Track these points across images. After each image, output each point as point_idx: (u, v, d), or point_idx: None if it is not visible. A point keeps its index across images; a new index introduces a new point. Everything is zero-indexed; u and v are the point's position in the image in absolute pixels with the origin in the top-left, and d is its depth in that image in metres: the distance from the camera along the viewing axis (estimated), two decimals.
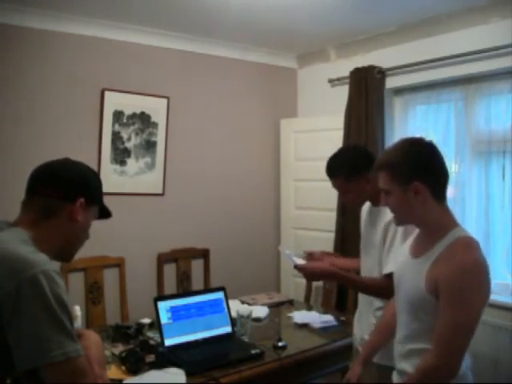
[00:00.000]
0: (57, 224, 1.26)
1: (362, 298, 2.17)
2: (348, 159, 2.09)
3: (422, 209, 1.49)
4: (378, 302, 2.05)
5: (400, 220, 1.59)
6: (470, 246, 1.43)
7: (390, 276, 1.91)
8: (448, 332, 1.39)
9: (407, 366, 1.53)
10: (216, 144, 3.88)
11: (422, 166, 1.48)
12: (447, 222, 1.49)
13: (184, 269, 3.69)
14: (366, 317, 2.10)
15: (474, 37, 2.99)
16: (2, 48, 2.96)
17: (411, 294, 1.50)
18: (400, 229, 1.89)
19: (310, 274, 2.09)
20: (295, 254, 2.27)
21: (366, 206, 2.20)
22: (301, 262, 2.17)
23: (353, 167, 2.05)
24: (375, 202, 2.08)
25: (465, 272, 1.39)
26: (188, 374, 1.99)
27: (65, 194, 1.27)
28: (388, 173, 1.52)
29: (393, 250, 1.92)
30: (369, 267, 2.09)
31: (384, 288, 1.94)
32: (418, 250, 1.55)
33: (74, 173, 1.32)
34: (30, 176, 1.30)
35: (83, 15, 3.15)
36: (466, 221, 3.16)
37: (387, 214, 1.95)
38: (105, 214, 1.44)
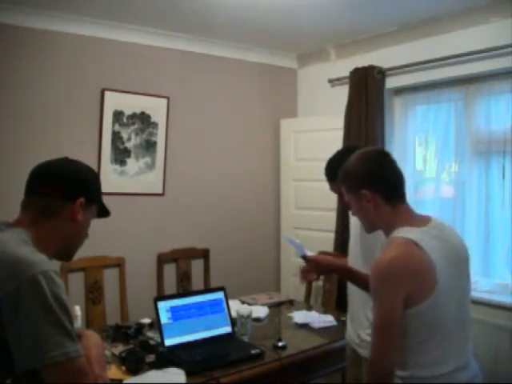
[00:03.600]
0: (57, 224, 1.26)
1: (356, 297, 2.15)
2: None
3: (376, 214, 1.57)
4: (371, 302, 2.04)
5: (366, 227, 1.68)
6: (392, 245, 1.48)
7: None
8: (374, 330, 1.48)
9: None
10: (216, 144, 3.88)
11: (368, 175, 1.57)
12: (395, 224, 1.54)
13: (184, 269, 3.69)
14: (363, 316, 2.09)
15: (473, 37, 2.99)
16: (2, 48, 2.96)
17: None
18: None
19: (317, 266, 2.06)
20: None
21: None
22: (310, 253, 2.14)
23: None
24: None
25: (375, 271, 1.46)
26: (188, 374, 1.99)
27: (65, 194, 1.27)
28: (344, 185, 1.65)
29: None
30: (357, 266, 2.07)
31: None
32: None
33: (73, 172, 1.32)
34: (30, 175, 1.30)
35: (83, 15, 3.15)
36: (465, 221, 3.16)
37: None
38: (104, 212, 1.44)
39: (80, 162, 1.37)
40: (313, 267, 2.06)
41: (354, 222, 2.19)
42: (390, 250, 1.46)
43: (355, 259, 2.15)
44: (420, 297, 1.43)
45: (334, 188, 2.13)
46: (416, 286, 1.43)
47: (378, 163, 1.59)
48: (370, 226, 1.66)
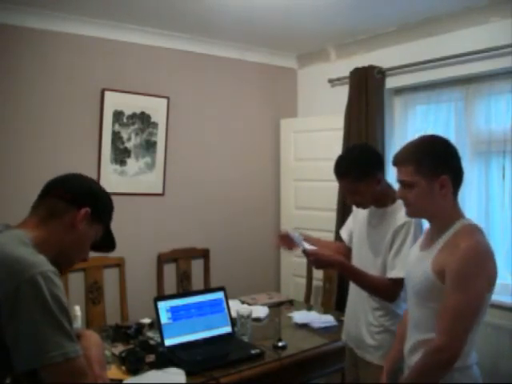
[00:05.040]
0: (57, 227, 1.26)
1: (356, 296, 2.15)
2: (359, 159, 2.03)
3: (442, 202, 1.57)
4: (374, 303, 2.04)
5: (414, 212, 1.66)
6: (472, 232, 1.52)
7: (395, 280, 1.91)
8: (450, 315, 1.44)
9: (415, 358, 1.56)
10: (216, 144, 3.88)
11: (448, 161, 1.58)
12: (455, 214, 1.57)
13: (184, 269, 3.69)
14: (364, 316, 2.09)
15: (473, 37, 2.99)
16: (1, 48, 2.96)
17: (419, 283, 1.56)
18: (410, 234, 1.90)
19: (317, 261, 2.05)
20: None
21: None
22: (310, 247, 2.13)
23: (364, 167, 2.00)
24: (380, 204, 2.06)
25: (467, 258, 1.46)
26: (188, 374, 2.00)
27: (72, 198, 1.28)
28: (413, 166, 1.56)
29: (401, 255, 1.91)
30: (364, 265, 2.06)
31: (388, 290, 1.94)
32: (427, 244, 1.63)
33: (87, 184, 1.36)
34: (46, 182, 1.33)
35: (83, 15, 3.15)
36: None
37: (397, 218, 1.94)
38: (108, 242, 1.42)
39: (99, 183, 1.41)
40: (312, 261, 2.06)
41: (360, 217, 2.19)
42: (473, 235, 1.51)
43: (359, 254, 2.15)
44: (492, 285, 1.51)
45: (343, 185, 2.09)
46: (494, 273, 1.51)
47: (452, 151, 1.61)
48: (421, 212, 1.65)
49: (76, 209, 1.27)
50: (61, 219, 1.26)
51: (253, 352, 2.24)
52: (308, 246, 2.11)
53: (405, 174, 1.59)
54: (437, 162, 1.56)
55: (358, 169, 2.00)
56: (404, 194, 1.62)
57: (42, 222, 1.25)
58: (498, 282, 3.08)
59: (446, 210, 1.57)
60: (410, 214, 1.68)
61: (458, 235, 1.51)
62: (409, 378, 1.53)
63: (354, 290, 2.17)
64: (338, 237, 3.65)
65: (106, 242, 1.42)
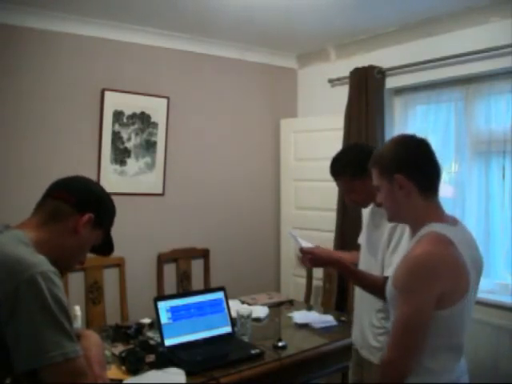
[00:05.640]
0: (60, 230, 1.26)
1: (361, 297, 2.15)
2: (353, 158, 2.05)
3: (406, 203, 1.47)
4: (377, 305, 2.03)
5: (390, 216, 1.58)
6: (430, 241, 1.38)
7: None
8: (396, 328, 1.38)
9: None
10: (216, 144, 3.88)
11: (407, 160, 1.48)
12: (426, 217, 1.45)
13: (184, 269, 3.69)
14: (368, 317, 2.08)
15: (474, 37, 2.99)
16: (1, 48, 2.96)
17: (387, 291, 1.50)
18: (406, 232, 1.89)
19: (314, 259, 2.05)
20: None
21: (368, 206, 2.18)
22: (308, 245, 2.13)
23: (358, 166, 1.99)
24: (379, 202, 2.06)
25: (412, 269, 1.36)
26: (188, 374, 1.99)
27: (77, 203, 1.27)
28: (377, 168, 1.53)
29: (397, 253, 1.90)
30: (368, 267, 2.07)
31: (385, 289, 1.93)
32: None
33: (92, 188, 1.35)
34: (51, 183, 1.32)
35: (83, 15, 3.15)
36: (466, 221, 3.14)
37: None
38: (107, 245, 1.42)
39: (103, 187, 1.40)
40: (308, 259, 2.06)
41: (365, 215, 2.20)
42: (426, 245, 1.37)
43: (363, 255, 2.15)
44: (452, 299, 1.35)
45: (339, 185, 2.12)
46: (450, 287, 1.35)
47: (417, 150, 1.50)
48: (394, 215, 1.55)
49: (79, 213, 1.27)
50: (63, 223, 1.26)
51: (253, 352, 2.23)
52: (305, 245, 2.12)
53: (374, 177, 1.55)
54: (393, 161, 1.48)
55: (352, 167, 2.02)
56: (379, 197, 1.55)
57: (44, 223, 1.25)
58: (498, 281, 3.10)
59: (412, 212, 1.48)
60: (387, 219, 1.60)
61: (417, 243, 1.40)
62: None
63: (358, 291, 2.18)
64: (337, 237, 3.67)
65: (105, 246, 1.41)
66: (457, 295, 1.36)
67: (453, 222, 1.48)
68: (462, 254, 1.37)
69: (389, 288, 1.47)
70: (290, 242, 4.03)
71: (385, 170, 1.50)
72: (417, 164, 1.48)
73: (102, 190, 1.38)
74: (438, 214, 1.47)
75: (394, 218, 1.58)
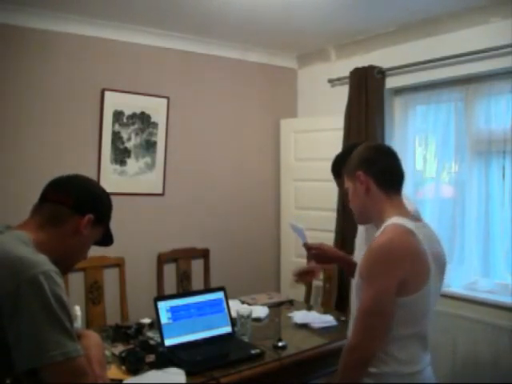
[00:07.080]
0: (61, 233, 1.26)
1: (357, 296, 2.15)
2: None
3: (369, 200, 1.55)
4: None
5: (356, 216, 1.65)
6: (390, 231, 1.44)
7: None
8: (360, 314, 1.44)
9: None
10: (216, 144, 3.88)
11: (367, 158, 1.57)
12: (390, 213, 1.51)
13: (184, 269, 3.69)
14: None
15: (474, 37, 2.99)
16: (2, 48, 2.96)
17: (355, 283, 1.56)
18: None
19: (320, 255, 2.05)
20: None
21: None
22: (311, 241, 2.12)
23: None
24: None
25: (373, 255, 1.42)
26: (188, 374, 1.99)
27: (75, 205, 1.27)
28: (345, 172, 1.64)
29: None
30: None
31: None
32: None
33: (88, 188, 1.35)
34: (46, 184, 1.32)
35: (84, 15, 3.15)
36: (465, 221, 3.16)
37: None
38: (107, 238, 1.43)
39: (96, 181, 1.40)
40: (313, 255, 2.05)
41: None
42: (387, 234, 1.43)
43: (358, 254, 2.15)
44: (415, 286, 1.40)
45: (339, 184, 2.12)
46: (412, 274, 1.40)
47: (377, 150, 1.61)
48: (360, 215, 1.63)
49: (79, 215, 1.27)
50: (63, 226, 1.26)
51: (253, 352, 2.23)
52: (310, 240, 2.11)
53: (345, 182, 1.64)
54: (356, 160, 1.59)
55: None
56: (349, 201, 1.64)
57: (44, 225, 1.25)
58: (498, 281, 3.11)
59: (375, 208, 1.55)
60: (356, 220, 1.68)
61: (380, 233, 1.47)
62: (336, 379, 1.52)
63: (354, 290, 2.17)
64: (338, 237, 3.67)
65: (105, 238, 1.42)
66: (419, 281, 1.41)
67: (415, 218, 1.55)
68: (423, 243, 1.43)
69: (356, 279, 1.52)
70: (290, 239, 4.04)
71: (349, 170, 1.61)
72: (375, 161, 1.56)
73: (97, 186, 1.39)
74: (398, 210, 1.54)
75: (361, 217, 1.64)
